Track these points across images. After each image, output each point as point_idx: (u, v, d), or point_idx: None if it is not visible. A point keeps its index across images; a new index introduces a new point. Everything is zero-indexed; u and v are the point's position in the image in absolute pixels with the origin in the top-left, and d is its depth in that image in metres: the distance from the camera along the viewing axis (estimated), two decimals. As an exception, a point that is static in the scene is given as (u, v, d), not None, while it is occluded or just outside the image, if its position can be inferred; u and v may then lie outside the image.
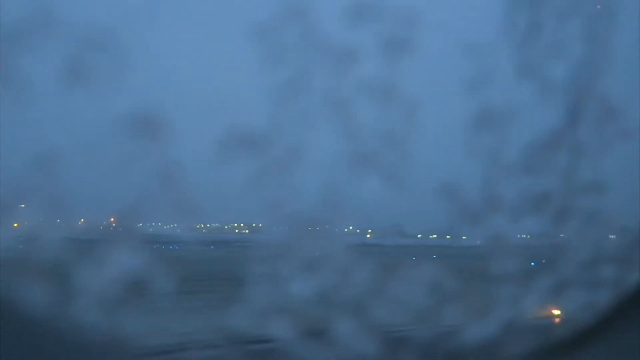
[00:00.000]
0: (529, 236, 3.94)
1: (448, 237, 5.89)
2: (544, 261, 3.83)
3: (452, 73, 3.68)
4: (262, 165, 3.22)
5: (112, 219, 3.38)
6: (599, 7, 3.39)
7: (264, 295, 2.86)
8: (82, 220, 3.07)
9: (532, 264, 3.77)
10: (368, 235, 6.45)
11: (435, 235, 6.19)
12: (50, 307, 2.08)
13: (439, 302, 3.33)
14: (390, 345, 2.97)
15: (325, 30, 3.20)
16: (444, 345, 3.09)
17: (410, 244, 6.76)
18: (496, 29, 3.59)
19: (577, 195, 3.70)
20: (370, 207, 3.60)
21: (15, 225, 2.75)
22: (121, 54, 3.11)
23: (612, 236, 3.58)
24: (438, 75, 3.96)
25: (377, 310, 3.19)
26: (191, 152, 3.42)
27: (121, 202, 3.26)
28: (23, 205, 2.83)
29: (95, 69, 3.14)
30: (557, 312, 3.62)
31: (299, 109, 3.28)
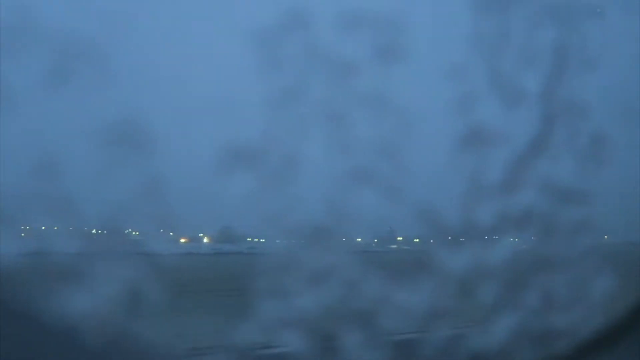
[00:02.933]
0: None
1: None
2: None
3: (441, 89, 3.76)
4: (259, 177, 3.16)
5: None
6: (598, 10, 3.53)
7: (269, 305, 2.77)
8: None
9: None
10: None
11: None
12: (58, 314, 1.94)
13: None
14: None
15: (322, 41, 3.22)
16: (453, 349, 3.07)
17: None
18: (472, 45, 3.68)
19: (561, 207, 3.80)
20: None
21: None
22: (116, 61, 3.02)
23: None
24: (429, 90, 4.04)
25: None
26: (184, 164, 3.32)
27: (109, 213, 3.13)
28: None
29: (86, 77, 3.03)
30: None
31: (294, 120, 3.26)
